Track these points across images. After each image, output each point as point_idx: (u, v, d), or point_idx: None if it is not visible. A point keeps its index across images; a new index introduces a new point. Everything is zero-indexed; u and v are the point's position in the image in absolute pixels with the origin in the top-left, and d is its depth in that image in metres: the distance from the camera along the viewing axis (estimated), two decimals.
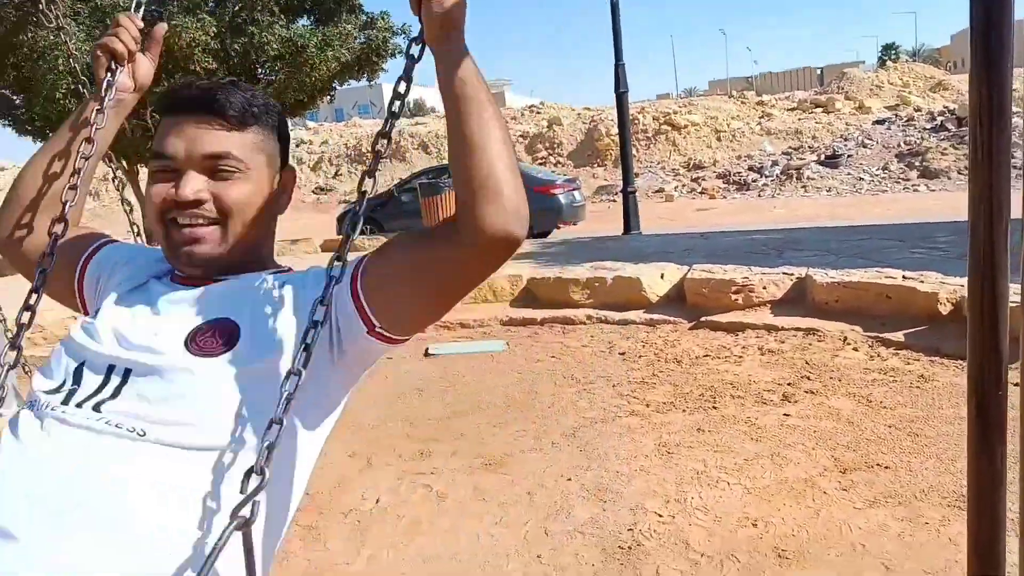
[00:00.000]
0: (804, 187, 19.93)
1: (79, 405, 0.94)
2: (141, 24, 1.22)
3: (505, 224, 0.93)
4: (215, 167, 1.03)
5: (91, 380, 0.97)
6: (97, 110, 1.17)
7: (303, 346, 0.89)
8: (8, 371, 1.05)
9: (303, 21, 13.61)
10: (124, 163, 14.52)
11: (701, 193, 20.86)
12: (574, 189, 14.00)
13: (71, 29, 11.11)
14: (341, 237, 0.96)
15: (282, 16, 13.05)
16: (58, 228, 1.12)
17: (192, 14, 12.22)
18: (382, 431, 3.82)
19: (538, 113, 30.63)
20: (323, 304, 0.93)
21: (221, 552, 0.80)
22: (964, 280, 1.54)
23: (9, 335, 1.12)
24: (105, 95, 1.17)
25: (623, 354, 4.85)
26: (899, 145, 21.06)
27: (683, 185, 21.99)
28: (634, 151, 22.50)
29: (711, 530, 2.60)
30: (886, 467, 2.97)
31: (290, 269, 1.15)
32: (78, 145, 1.18)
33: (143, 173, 15.96)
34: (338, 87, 15.28)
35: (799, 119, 25.24)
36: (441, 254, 0.98)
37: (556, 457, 3.31)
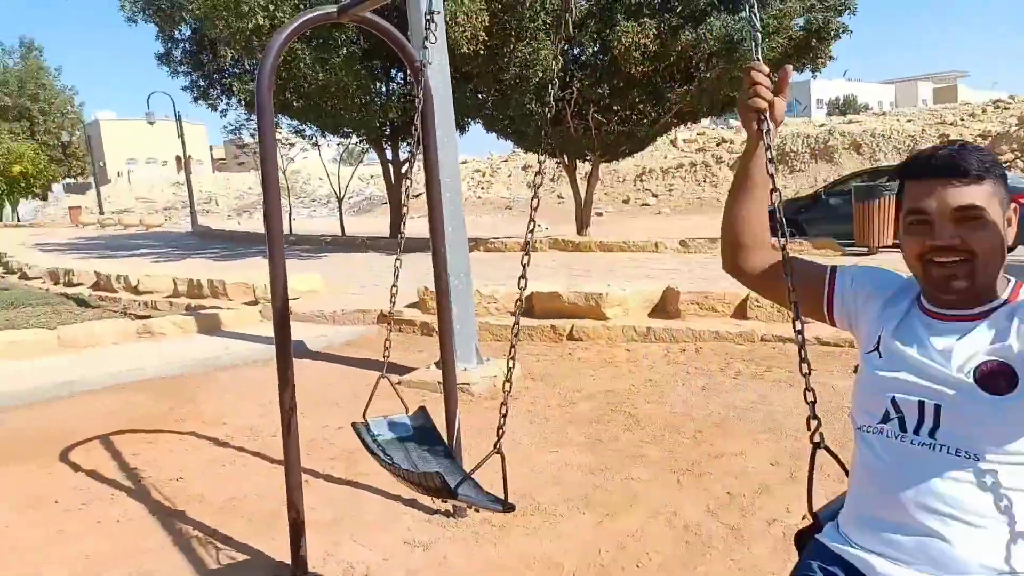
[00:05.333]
0: None
1: (916, 432, 1.24)
2: (767, 70, 1.38)
3: None
4: (963, 216, 1.24)
5: (910, 410, 1.25)
6: (768, 159, 1.41)
7: None
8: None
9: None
10: None
11: None
12: None
13: (554, 50, 12.26)
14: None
15: (720, 11, 12.70)
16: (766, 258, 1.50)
17: (635, 18, 12.35)
18: None
19: (1005, 109, 26.08)
20: None
21: None
22: None
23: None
24: (766, 142, 1.40)
25: None
26: None
27: None
28: None
29: None
30: None
31: (1018, 286, 1.30)
32: (754, 188, 1.46)
33: None
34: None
35: None
36: None
37: None
